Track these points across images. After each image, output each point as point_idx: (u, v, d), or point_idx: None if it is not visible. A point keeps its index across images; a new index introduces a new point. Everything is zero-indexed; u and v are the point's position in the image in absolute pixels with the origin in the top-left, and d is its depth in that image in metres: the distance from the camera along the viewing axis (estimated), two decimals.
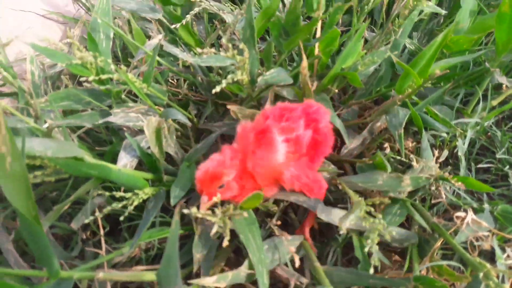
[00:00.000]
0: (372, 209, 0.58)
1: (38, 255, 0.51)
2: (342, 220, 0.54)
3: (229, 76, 0.66)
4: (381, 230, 0.52)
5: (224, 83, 0.65)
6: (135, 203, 0.66)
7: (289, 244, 0.62)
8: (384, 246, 0.73)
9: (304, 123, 0.64)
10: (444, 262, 0.59)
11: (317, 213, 0.62)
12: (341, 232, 0.53)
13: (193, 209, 0.55)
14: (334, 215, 0.63)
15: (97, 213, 0.64)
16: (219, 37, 1.03)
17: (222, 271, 0.70)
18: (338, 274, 0.59)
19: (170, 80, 1.03)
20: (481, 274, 0.51)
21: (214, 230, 0.55)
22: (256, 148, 0.61)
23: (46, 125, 0.68)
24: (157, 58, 0.85)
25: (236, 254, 0.74)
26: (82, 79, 0.69)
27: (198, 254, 0.62)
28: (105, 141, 0.85)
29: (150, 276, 0.55)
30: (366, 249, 0.51)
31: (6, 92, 0.91)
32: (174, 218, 0.48)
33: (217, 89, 0.64)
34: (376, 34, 0.93)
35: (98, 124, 0.75)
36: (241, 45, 0.65)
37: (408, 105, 0.72)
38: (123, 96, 0.83)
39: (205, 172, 0.59)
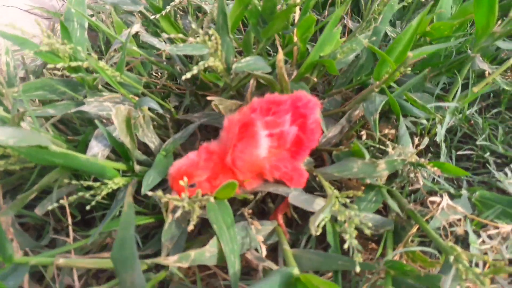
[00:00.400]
0: (348, 201, 0.56)
1: None
2: (314, 218, 0.53)
3: (201, 63, 0.65)
4: (357, 223, 0.51)
5: (195, 70, 0.64)
6: (104, 192, 0.65)
7: (258, 232, 0.61)
8: (360, 233, 0.71)
9: (292, 117, 0.62)
10: (418, 248, 0.57)
11: (290, 199, 0.61)
12: (312, 232, 0.51)
13: (159, 192, 0.53)
14: (308, 202, 0.62)
15: (64, 201, 0.63)
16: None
17: None
18: (307, 257, 0.57)
19: (154, 74, 1.02)
20: (451, 258, 0.50)
21: (178, 213, 0.54)
22: (238, 141, 0.59)
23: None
24: (136, 49, 0.84)
25: None
26: (49, 66, 0.68)
27: (166, 241, 0.60)
28: (83, 132, 0.84)
29: (109, 263, 0.54)
30: (346, 245, 0.50)
31: None
32: (127, 198, 0.46)
33: (187, 75, 0.63)
34: (360, 23, 0.92)
35: (71, 114, 0.74)
36: (211, 31, 0.64)
37: (385, 91, 0.70)
38: (100, 86, 0.82)
39: (177, 170, 0.60)
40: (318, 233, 0.52)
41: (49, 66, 0.68)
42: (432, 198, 0.60)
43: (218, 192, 0.60)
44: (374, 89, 0.70)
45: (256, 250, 0.61)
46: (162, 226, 0.67)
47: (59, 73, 0.95)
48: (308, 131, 0.64)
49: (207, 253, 0.56)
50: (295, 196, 0.62)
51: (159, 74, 1.01)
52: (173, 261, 0.53)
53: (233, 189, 0.60)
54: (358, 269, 0.49)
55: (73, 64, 0.67)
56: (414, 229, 0.60)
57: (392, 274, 0.55)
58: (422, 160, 0.65)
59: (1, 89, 0.76)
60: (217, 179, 0.62)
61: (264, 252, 0.58)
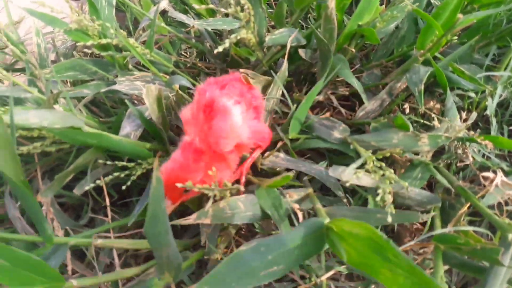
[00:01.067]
0: (383, 164, 0.53)
1: (33, 220, 0.50)
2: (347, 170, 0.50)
3: (233, 35, 0.62)
4: (392, 177, 0.47)
5: (227, 43, 0.61)
6: (138, 172, 0.63)
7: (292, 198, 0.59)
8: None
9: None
10: (471, 228, 0.53)
11: (330, 171, 0.58)
12: (347, 184, 0.48)
13: (188, 183, 0.51)
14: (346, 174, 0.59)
15: (100, 181, 0.62)
16: None
17: (231, 242, 0.67)
18: (341, 213, 0.54)
19: (183, 53, 1.00)
20: (510, 236, 0.45)
21: (208, 204, 0.52)
22: (209, 122, 0.55)
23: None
24: (165, 26, 0.82)
25: (247, 225, 0.71)
26: (78, 44, 0.66)
27: (204, 227, 0.60)
28: (116, 114, 0.82)
29: (146, 243, 0.52)
30: (378, 198, 0.47)
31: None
32: (154, 172, 0.46)
33: (220, 48, 0.61)
34: None
35: (102, 93, 0.73)
36: (243, 0, 0.60)
37: (431, 61, 0.66)
38: (130, 66, 0.80)
39: (168, 177, 0.52)
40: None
41: (78, 44, 0.67)
42: (485, 174, 0.55)
43: (273, 182, 0.59)
44: (418, 58, 0.66)
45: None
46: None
47: (89, 54, 0.94)
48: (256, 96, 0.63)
49: (226, 212, 0.55)
50: (335, 169, 0.59)
51: (188, 53, 0.99)
52: (194, 219, 0.53)
53: (287, 179, 0.58)
54: (390, 219, 0.48)
55: (103, 41, 0.65)
56: (465, 207, 0.55)
57: (442, 249, 0.51)
58: (472, 133, 0.60)
59: (34, 70, 0.75)
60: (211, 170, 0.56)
61: (300, 217, 0.56)
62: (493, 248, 0.45)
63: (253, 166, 0.66)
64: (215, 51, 0.60)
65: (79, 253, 0.71)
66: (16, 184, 0.46)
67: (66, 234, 0.67)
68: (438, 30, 0.62)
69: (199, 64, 0.88)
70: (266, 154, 0.65)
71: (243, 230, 0.72)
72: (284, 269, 0.43)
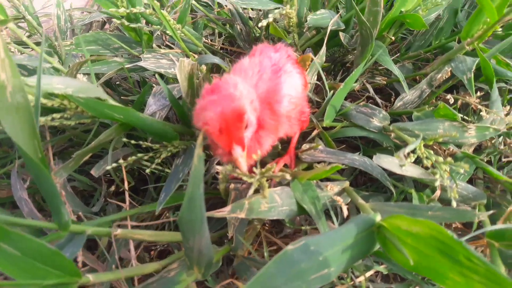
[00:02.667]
0: (431, 151, 0.50)
1: (49, 203, 0.43)
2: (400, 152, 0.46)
3: (277, 11, 0.59)
4: (450, 162, 0.44)
5: (271, 17, 0.57)
6: (163, 155, 0.59)
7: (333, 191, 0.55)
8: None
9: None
10: None
11: (374, 159, 0.54)
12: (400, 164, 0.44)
13: (227, 167, 0.47)
14: (393, 164, 0.55)
15: (121, 161, 0.57)
16: None
17: (258, 235, 0.63)
18: (388, 210, 0.49)
19: (205, 40, 0.96)
20: None
21: (251, 191, 0.47)
22: (275, 80, 0.51)
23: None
24: (196, 3, 0.78)
25: (271, 219, 0.67)
26: (102, 11, 0.62)
27: (233, 219, 0.55)
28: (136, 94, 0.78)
29: (175, 236, 0.48)
30: (437, 183, 0.43)
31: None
32: (197, 150, 0.39)
33: (264, 22, 0.57)
34: None
35: (126, 69, 0.69)
36: None
37: (478, 51, 0.62)
38: (154, 45, 0.76)
39: (223, 112, 0.42)
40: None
41: (103, 11, 0.62)
42: None
43: (312, 176, 0.54)
44: (465, 47, 0.63)
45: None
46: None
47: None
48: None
49: (263, 206, 0.50)
50: (380, 157, 0.55)
51: (210, 40, 0.95)
52: (227, 212, 0.47)
53: (330, 171, 0.53)
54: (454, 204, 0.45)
55: (135, 9, 0.61)
56: None
57: (497, 246, 0.48)
58: None
59: (53, 41, 0.71)
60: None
61: (345, 212, 0.52)
62: None
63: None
64: (260, 24, 0.56)
65: (87, 243, 0.66)
66: (33, 161, 0.39)
67: (79, 220, 0.61)
68: (491, 15, 0.59)
69: (227, 47, 0.84)
70: (304, 147, 0.61)
71: (267, 225, 0.68)
72: (335, 271, 0.38)
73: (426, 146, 0.61)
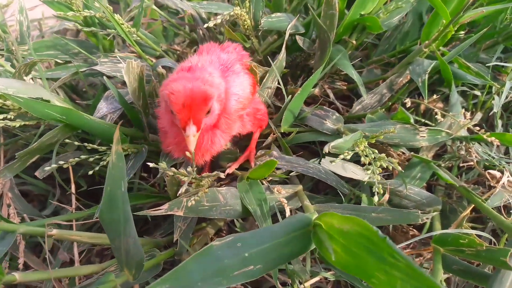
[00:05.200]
0: (376, 151, 0.49)
1: None
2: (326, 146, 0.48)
3: (226, 12, 0.58)
4: (383, 158, 0.42)
5: (219, 18, 0.56)
6: (109, 158, 0.57)
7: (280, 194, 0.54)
8: None
9: None
10: (473, 231, 0.47)
11: (322, 163, 0.53)
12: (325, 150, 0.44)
13: (162, 164, 0.45)
14: (344, 168, 0.54)
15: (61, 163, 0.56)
16: None
17: (208, 241, 0.61)
18: (332, 211, 0.48)
19: (176, 44, 0.96)
20: None
21: (182, 189, 0.46)
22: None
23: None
24: (156, 8, 0.78)
25: (229, 226, 0.65)
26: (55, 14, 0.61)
27: (179, 221, 0.53)
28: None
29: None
30: (366, 178, 0.44)
31: None
32: (114, 147, 0.38)
33: (210, 24, 0.56)
34: None
35: (82, 74, 0.68)
36: None
37: (436, 53, 0.61)
38: (116, 50, 0.75)
39: (192, 90, 0.43)
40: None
41: (56, 14, 0.62)
42: (491, 171, 0.50)
43: (253, 172, 0.53)
44: (422, 50, 0.61)
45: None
46: None
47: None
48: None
49: (202, 204, 0.49)
50: (327, 160, 0.54)
51: (181, 45, 0.94)
52: (164, 210, 0.47)
53: (272, 167, 0.52)
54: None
55: (85, 13, 0.60)
56: (468, 210, 0.50)
57: (442, 251, 0.46)
58: (477, 128, 0.56)
59: (11, 46, 0.70)
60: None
61: (288, 213, 0.50)
62: (501, 249, 0.40)
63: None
64: (205, 25, 0.55)
65: (39, 248, 0.65)
66: None
67: (22, 221, 0.60)
68: (444, 16, 0.57)
69: (190, 53, 0.83)
70: (258, 154, 0.60)
71: (224, 231, 0.66)
72: (261, 269, 0.37)
73: (381, 150, 0.60)
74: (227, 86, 0.50)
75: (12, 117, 0.55)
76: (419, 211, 0.47)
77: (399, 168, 0.45)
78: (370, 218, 0.48)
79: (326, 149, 0.50)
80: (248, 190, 0.53)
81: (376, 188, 0.45)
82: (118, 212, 0.39)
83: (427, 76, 0.58)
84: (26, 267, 0.58)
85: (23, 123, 0.56)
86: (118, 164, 0.38)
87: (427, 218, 0.47)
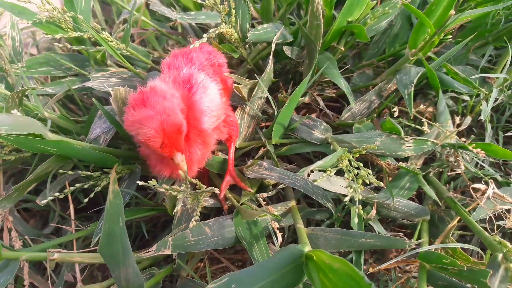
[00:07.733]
0: (361, 164, 0.49)
1: None
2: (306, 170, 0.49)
3: (212, 29, 0.58)
4: (364, 176, 0.44)
5: (205, 37, 0.56)
6: (103, 183, 0.59)
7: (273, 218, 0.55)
8: (391, 225, 0.64)
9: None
10: (458, 245, 0.49)
11: (310, 177, 0.54)
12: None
13: (152, 182, 0.46)
14: (331, 182, 0.55)
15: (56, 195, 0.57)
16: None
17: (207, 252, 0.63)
18: (324, 235, 0.51)
19: (169, 49, 0.96)
20: (500, 256, 0.41)
21: (178, 207, 0.47)
22: (190, 99, 0.51)
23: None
24: (147, 20, 0.78)
25: None
26: (45, 36, 0.62)
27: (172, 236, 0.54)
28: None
29: None
30: (347, 198, 0.45)
31: None
32: (111, 186, 0.39)
33: (196, 44, 0.56)
34: None
35: (74, 90, 0.69)
36: None
37: (423, 61, 0.61)
38: (109, 62, 0.76)
39: (164, 129, 0.44)
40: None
41: (47, 36, 0.63)
42: (476, 185, 0.51)
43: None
44: (409, 58, 0.61)
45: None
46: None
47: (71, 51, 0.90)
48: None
49: (188, 240, 0.50)
50: (314, 173, 0.55)
51: (174, 48, 0.95)
52: (153, 252, 0.49)
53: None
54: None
55: (73, 34, 0.61)
56: (455, 222, 0.51)
57: (428, 268, 0.47)
58: (463, 140, 0.56)
59: (4, 65, 0.71)
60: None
61: (279, 239, 0.52)
62: (482, 270, 0.41)
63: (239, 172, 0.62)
64: (192, 47, 0.55)
65: (43, 265, 0.67)
66: None
67: (24, 245, 0.62)
68: (429, 27, 0.58)
69: None
70: (249, 163, 0.61)
71: None
72: None
73: (369, 160, 0.61)
74: (196, 105, 0.50)
75: (7, 152, 0.56)
76: (406, 239, 0.48)
77: (381, 183, 0.46)
78: (360, 243, 0.50)
79: (308, 170, 0.51)
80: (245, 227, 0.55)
81: (356, 209, 0.46)
82: (117, 245, 0.41)
83: (413, 88, 0.58)
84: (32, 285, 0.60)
85: (18, 155, 0.57)
86: (115, 201, 0.40)
87: (414, 244, 0.48)
